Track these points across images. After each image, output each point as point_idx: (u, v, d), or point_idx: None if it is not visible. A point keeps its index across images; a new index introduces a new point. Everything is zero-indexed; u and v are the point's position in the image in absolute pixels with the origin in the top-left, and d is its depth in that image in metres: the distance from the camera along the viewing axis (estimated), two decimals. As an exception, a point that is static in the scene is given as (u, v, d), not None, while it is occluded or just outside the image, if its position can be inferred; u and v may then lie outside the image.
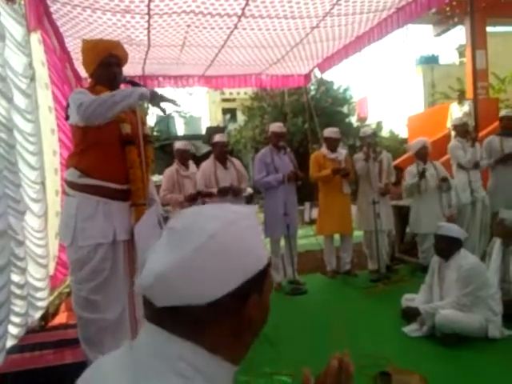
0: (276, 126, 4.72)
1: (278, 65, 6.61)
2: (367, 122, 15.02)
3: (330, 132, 4.94)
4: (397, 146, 13.93)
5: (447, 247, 3.12)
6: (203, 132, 15.31)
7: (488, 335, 2.96)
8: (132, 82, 2.47)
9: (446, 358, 2.80)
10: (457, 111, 7.94)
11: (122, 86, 2.47)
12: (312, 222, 7.82)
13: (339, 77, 15.27)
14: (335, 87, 13.80)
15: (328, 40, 5.75)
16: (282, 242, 4.73)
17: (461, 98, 8.22)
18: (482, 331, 2.96)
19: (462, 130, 4.84)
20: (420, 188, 4.71)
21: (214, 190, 4.45)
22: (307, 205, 9.06)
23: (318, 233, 5.02)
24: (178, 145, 4.71)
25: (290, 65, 6.76)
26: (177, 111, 15.64)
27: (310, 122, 8.28)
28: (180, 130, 18.92)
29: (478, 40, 7.46)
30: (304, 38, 5.38)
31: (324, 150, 4.93)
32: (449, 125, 8.23)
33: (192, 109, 20.70)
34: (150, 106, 15.24)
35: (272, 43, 5.43)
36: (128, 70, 5.27)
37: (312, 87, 13.16)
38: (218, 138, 4.66)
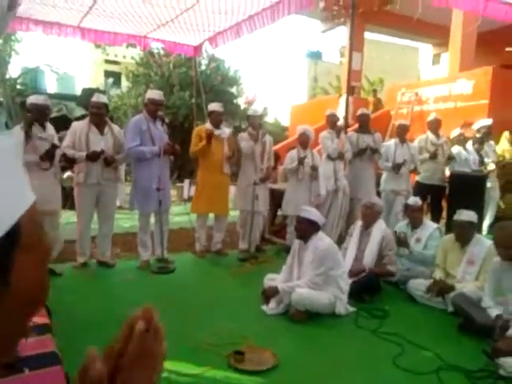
0: (154, 93, 4.39)
1: (167, 28, 6.20)
2: (254, 107, 15.33)
3: (214, 106, 4.85)
4: (279, 133, 14.59)
5: (306, 229, 3.30)
6: (78, 93, 13.73)
7: (335, 312, 3.24)
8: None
9: (296, 334, 2.98)
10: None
11: None
12: (190, 199, 7.68)
13: (231, 58, 15.27)
14: (226, 66, 13.69)
15: (220, 13, 5.60)
16: (153, 219, 4.50)
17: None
18: (330, 308, 3.22)
19: (331, 121, 5.17)
20: (298, 173, 4.92)
21: (83, 154, 3.99)
22: (187, 182, 8.88)
23: (192, 211, 4.90)
24: (32, 99, 3.90)
25: (180, 31, 6.40)
26: (48, 65, 13.67)
27: (197, 97, 8.01)
28: (51, 87, 16.65)
29: (356, 42, 8.12)
30: (195, 3, 5.14)
31: (208, 125, 4.80)
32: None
33: (67, 65, 18.38)
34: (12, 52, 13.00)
35: (161, 2, 5.04)
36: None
37: (203, 62, 12.83)
38: (95, 97, 4.18)
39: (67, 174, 6.38)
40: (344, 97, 9.36)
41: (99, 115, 4.12)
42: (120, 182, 4.72)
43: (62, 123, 6.64)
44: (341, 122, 5.39)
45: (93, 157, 3.98)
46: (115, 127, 4.35)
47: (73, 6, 5.34)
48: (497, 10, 4.86)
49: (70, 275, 4.04)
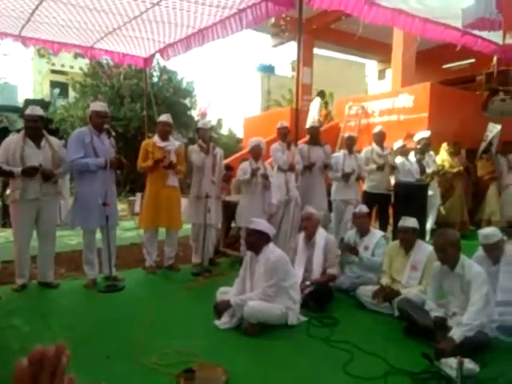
0: (97, 105, 4.27)
1: (115, 37, 6.05)
2: (208, 119, 15.33)
3: (161, 117, 4.83)
4: (234, 145, 14.66)
5: (256, 240, 3.30)
6: (21, 104, 13.05)
7: (288, 322, 3.25)
8: None
9: (249, 348, 2.94)
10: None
11: None
12: (142, 213, 7.46)
13: (184, 70, 15.23)
14: (179, 78, 13.60)
15: (170, 23, 5.57)
16: (99, 235, 4.31)
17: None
18: (282, 319, 3.23)
19: (281, 133, 5.26)
20: (251, 185, 4.93)
21: (18, 170, 3.76)
22: (138, 196, 8.62)
23: (140, 225, 4.76)
24: None
25: (129, 41, 6.29)
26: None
27: (149, 109, 7.88)
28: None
29: (305, 57, 8.37)
30: (144, 12, 5.07)
31: (155, 137, 4.73)
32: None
33: (8, 75, 17.43)
34: None
35: (106, 8, 4.91)
36: None
37: (154, 74, 12.67)
38: (29, 110, 3.97)
39: (9, 190, 6.01)
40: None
41: (34, 128, 3.91)
42: (62, 197, 4.50)
43: (3, 136, 6.28)
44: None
45: (29, 172, 3.76)
46: (54, 140, 4.13)
47: (13, 14, 5.09)
48: (433, 30, 5.22)
49: (9, 298, 3.76)
